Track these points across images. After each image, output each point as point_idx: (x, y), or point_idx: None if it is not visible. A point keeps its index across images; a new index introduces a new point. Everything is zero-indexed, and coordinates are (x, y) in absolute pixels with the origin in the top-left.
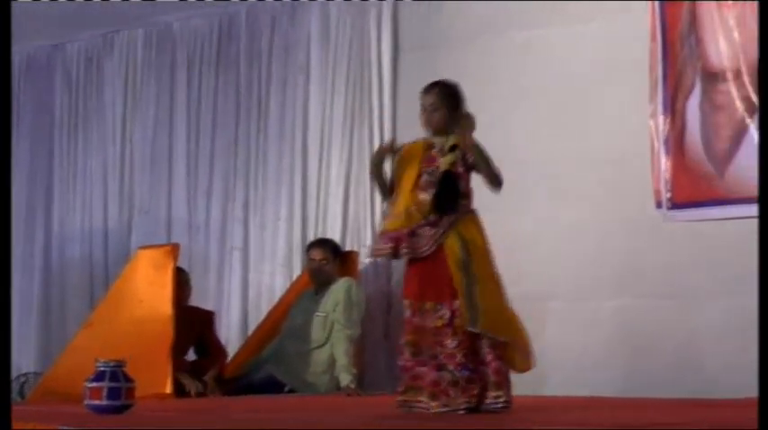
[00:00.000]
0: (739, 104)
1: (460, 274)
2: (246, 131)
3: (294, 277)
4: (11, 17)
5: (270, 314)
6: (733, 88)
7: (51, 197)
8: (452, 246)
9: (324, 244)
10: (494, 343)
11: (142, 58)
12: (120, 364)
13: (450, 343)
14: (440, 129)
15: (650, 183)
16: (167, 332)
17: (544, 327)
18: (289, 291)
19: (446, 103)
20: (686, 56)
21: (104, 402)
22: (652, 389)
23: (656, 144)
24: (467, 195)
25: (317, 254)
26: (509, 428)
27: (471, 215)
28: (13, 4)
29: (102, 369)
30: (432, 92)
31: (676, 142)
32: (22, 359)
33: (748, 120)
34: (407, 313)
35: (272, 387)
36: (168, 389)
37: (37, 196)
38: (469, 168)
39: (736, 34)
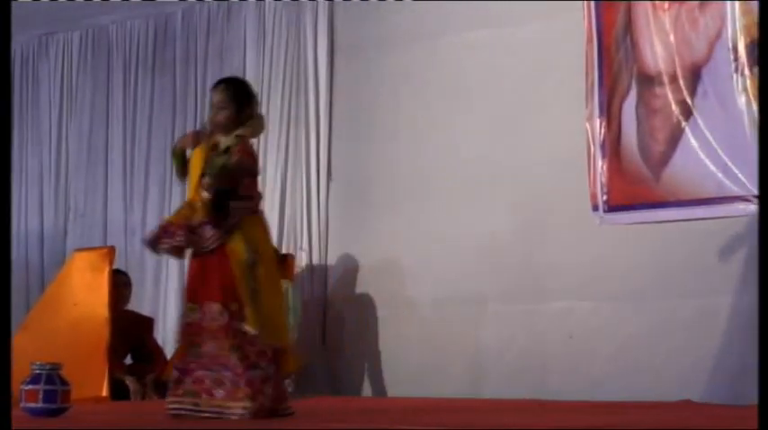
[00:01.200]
0: (675, 107)
1: (245, 278)
2: (182, 132)
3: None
4: (11, 17)
5: None
6: (669, 91)
7: None
8: (236, 248)
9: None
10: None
11: (78, 60)
12: (55, 367)
13: (212, 344)
14: (226, 128)
15: (587, 186)
16: (103, 335)
17: (482, 330)
18: None
19: (234, 101)
20: (622, 59)
21: (40, 405)
22: (592, 391)
23: (592, 147)
24: (250, 197)
25: None
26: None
27: (257, 216)
28: None
29: (37, 372)
30: (219, 89)
31: (612, 145)
32: None
33: (684, 124)
34: (182, 314)
35: None
36: (104, 391)
37: None
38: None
39: (671, 37)
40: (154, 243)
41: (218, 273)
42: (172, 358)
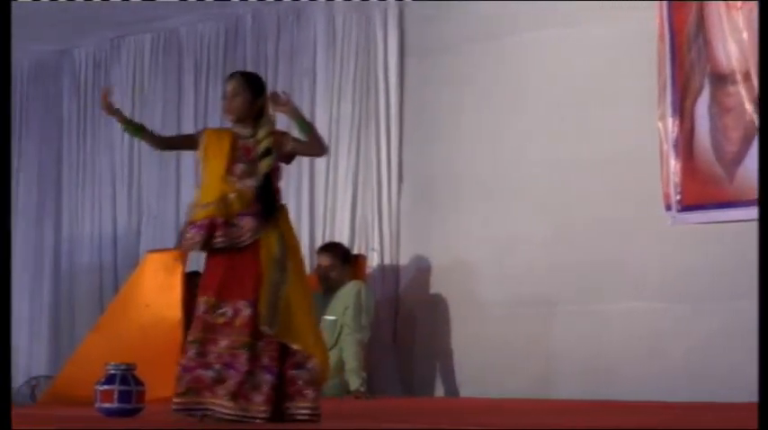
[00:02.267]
0: (748, 106)
1: (273, 271)
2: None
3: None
4: (11, 17)
5: None
6: (742, 90)
7: (60, 201)
8: (270, 241)
9: (332, 249)
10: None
11: (149, 63)
12: (130, 367)
13: (224, 342)
14: (240, 116)
15: (659, 186)
16: (176, 336)
17: (552, 330)
18: None
19: (247, 89)
20: (694, 58)
21: (115, 405)
22: (662, 393)
23: (664, 146)
24: (279, 190)
25: (324, 260)
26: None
27: (283, 208)
28: (22, 10)
29: (112, 372)
30: (232, 79)
31: (685, 144)
32: (33, 362)
33: (758, 123)
34: (201, 309)
35: None
36: None
37: (46, 201)
38: (286, 158)
39: (744, 35)
40: (208, 241)
41: (251, 269)
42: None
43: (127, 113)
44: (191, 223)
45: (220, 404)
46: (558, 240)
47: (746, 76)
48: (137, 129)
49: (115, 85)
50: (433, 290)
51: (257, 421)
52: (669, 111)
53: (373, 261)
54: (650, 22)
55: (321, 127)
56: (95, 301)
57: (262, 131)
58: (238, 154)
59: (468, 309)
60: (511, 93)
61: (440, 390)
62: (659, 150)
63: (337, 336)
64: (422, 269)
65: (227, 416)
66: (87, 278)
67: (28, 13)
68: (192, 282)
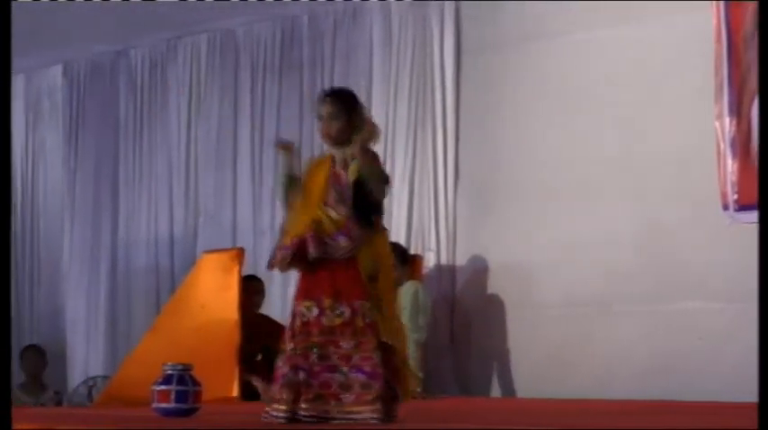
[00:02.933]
0: None
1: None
2: (310, 135)
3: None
4: (11, 17)
5: None
6: None
7: (117, 202)
8: (362, 259)
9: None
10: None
11: (205, 63)
12: (187, 368)
13: (347, 344)
14: (339, 139)
15: (716, 186)
16: (233, 336)
17: (609, 331)
18: None
19: (344, 112)
20: (751, 57)
21: (172, 405)
22: (720, 394)
23: (721, 146)
24: (378, 209)
25: None
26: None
27: (384, 232)
28: (79, 11)
29: (169, 372)
30: (328, 100)
31: (742, 144)
32: (90, 363)
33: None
34: (314, 312)
35: None
36: (234, 392)
37: (103, 201)
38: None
39: None
40: (298, 253)
41: (356, 277)
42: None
43: (183, 114)
44: (280, 247)
45: (347, 410)
46: (615, 240)
47: None
48: (293, 181)
49: (171, 86)
50: (490, 290)
51: (376, 421)
52: (726, 110)
53: (430, 261)
54: (707, 21)
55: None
56: (152, 302)
57: (352, 162)
58: (332, 181)
59: (524, 310)
60: (567, 92)
61: (496, 391)
62: (716, 150)
63: None
64: (478, 269)
65: (357, 421)
66: (144, 278)
67: (84, 13)
68: (248, 285)
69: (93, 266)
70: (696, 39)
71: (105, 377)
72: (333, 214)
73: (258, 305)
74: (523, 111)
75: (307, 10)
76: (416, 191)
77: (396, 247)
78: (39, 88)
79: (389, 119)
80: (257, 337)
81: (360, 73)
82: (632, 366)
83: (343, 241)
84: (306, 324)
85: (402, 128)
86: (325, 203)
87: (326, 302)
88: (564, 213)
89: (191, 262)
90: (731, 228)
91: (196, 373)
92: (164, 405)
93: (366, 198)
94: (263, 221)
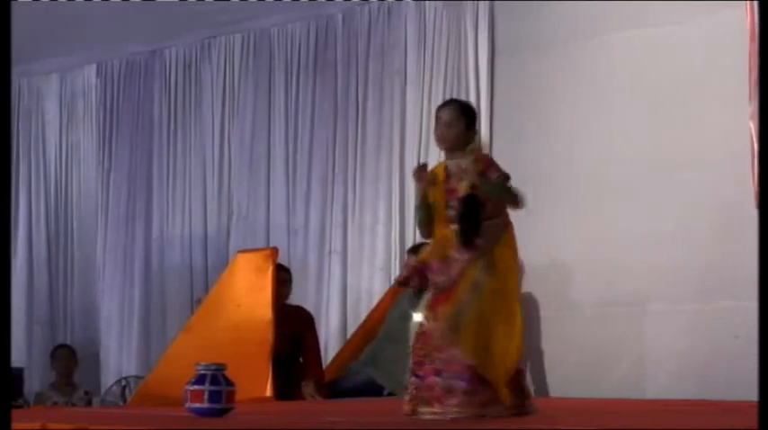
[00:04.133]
0: None
1: (465, 292)
2: (344, 135)
3: (393, 280)
4: (11, 17)
5: (368, 317)
6: None
7: (151, 201)
8: (476, 266)
9: (421, 249)
10: None
11: (240, 63)
12: (220, 368)
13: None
14: (453, 146)
15: (749, 186)
16: (267, 335)
17: (645, 330)
18: (387, 295)
19: (462, 120)
20: None
21: (205, 405)
22: (751, 393)
23: (755, 145)
24: (495, 214)
25: (414, 260)
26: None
27: (507, 232)
28: (112, 10)
29: (203, 372)
30: (449, 107)
31: None
32: (124, 363)
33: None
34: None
35: (372, 390)
36: (268, 392)
37: (137, 201)
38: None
39: None
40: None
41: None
42: (336, 357)
43: (217, 114)
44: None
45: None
46: (650, 240)
47: None
48: (427, 210)
49: (205, 86)
50: (525, 289)
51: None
52: (760, 110)
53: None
54: (741, 21)
55: (412, 126)
56: (186, 301)
57: (464, 161)
58: (447, 196)
59: (559, 309)
60: (601, 92)
61: (530, 390)
62: (750, 149)
63: None
64: None
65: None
66: (178, 278)
67: (118, 13)
68: (280, 276)
69: (127, 266)
70: (730, 38)
71: (139, 377)
72: (451, 229)
73: (285, 296)
74: (557, 111)
75: (341, 9)
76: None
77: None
78: (73, 88)
79: (424, 118)
80: (284, 326)
81: (394, 72)
82: (667, 366)
83: (462, 255)
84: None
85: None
86: (446, 218)
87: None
88: (599, 212)
89: (224, 261)
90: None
91: (230, 373)
92: (197, 405)
93: (480, 209)
94: (296, 221)
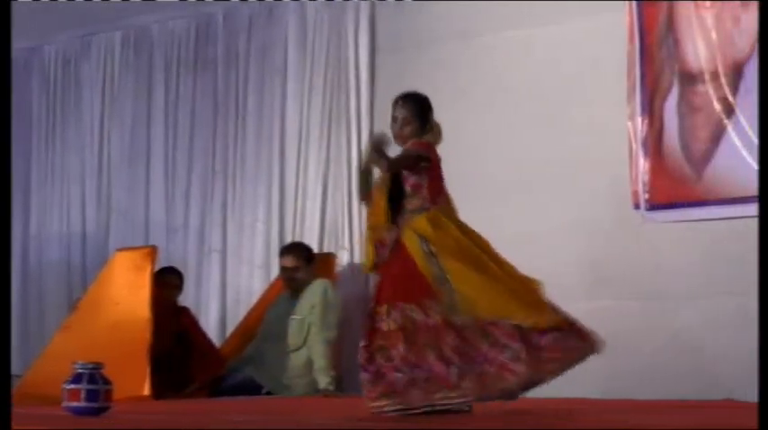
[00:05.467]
0: (717, 105)
1: (429, 268)
2: (224, 133)
3: (272, 279)
4: (10, 17)
5: (247, 316)
6: (710, 89)
7: (29, 199)
8: (412, 243)
9: (295, 250)
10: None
11: (120, 60)
12: (98, 367)
13: (449, 337)
14: (408, 143)
15: (629, 185)
16: (145, 334)
17: None
18: (266, 294)
19: (418, 116)
20: (664, 57)
21: (82, 404)
22: (632, 391)
23: (634, 145)
24: (415, 194)
25: (288, 261)
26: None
27: (427, 215)
28: None
29: (80, 371)
30: (405, 104)
31: (654, 144)
32: None
33: (726, 122)
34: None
35: (251, 389)
36: (146, 391)
37: (15, 198)
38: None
39: (713, 35)
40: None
41: (409, 270)
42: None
43: (97, 111)
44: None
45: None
46: (531, 239)
47: (715, 76)
48: (367, 176)
49: (84, 83)
50: None
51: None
52: (638, 110)
53: (343, 259)
54: (622, 21)
55: (292, 125)
56: (64, 299)
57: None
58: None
59: None
60: (482, 91)
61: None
62: (628, 149)
63: (305, 336)
64: None
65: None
66: (56, 276)
67: None
68: (165, 278)
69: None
70: (612, 39)
71: (16, 376)
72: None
73: (174, 299)
74: (438, 109)
75: (222, 7)
76: (330, 189)
77: (301, 247)
78: None
79: (304, 117)
80: (165, 322)
81: (275, 71)
82: None
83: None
84: (416, 326)
85: (316, 126)
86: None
87: (426, 303)
88: (478, 211)
89: (103, 259)
90: (643, 227)
91: (108, 372)
92: (74, 404)
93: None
94: (175, 219)
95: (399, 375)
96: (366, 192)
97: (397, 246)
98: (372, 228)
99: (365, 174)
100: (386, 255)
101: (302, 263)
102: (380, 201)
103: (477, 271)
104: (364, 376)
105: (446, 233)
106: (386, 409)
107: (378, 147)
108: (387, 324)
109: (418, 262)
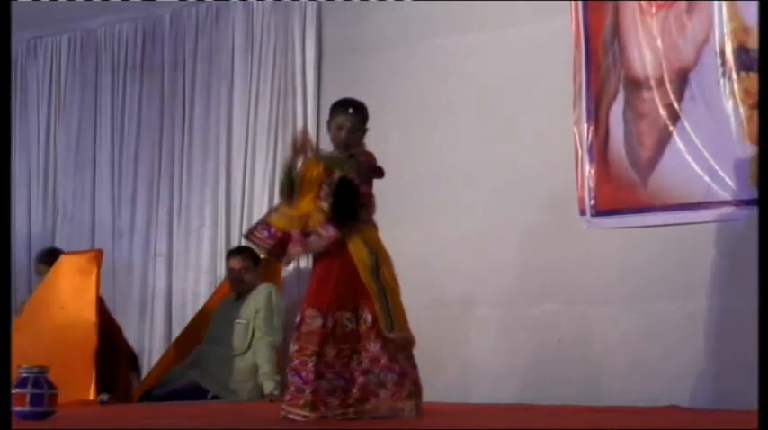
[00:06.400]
0: (662, 112)
1: (371, 280)
2: (171, 137)
3: (218, 283)
4: (10, 17)
5: (193, 320)
6: (656, 96)
7: None
8: (359, 251)
9: (243, 252)
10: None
11: (66, 63)
12: (43, 371)
13: (374, 346)
14: (348, 148)
15: (574, 191)
16: (90, 338)
17: (469, 334)
18: (211, 298)
19: (362, 123)
20: (610, 63)
21: (27, 408)
22: (581, 396)
23: (579, 151)
24: (367, 206)
25: (236, 262)
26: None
27: (373, 226)
28: None
29: (25, 375)
30: (356, 113)
31: (600, 149)
32: None
33: (671, 128)
34: (318, 322)
35: (196, 393)
36: (91, 395)
37: None
38: (368, 179)
39: (659, 42)
40: (275, 250)
41: (350, 278)
42: (161, 360)
43: (43, 114)
44: (267, 223)
45: (389, 406)
46: (477, 242)
47: (660, 82)
48: (289, 174)
49: (31, 86)
50: None
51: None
52: (584, 116)
53: (289, 265)
54: (567, 28)
55: (239, 129)
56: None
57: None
58: (325, 176)
59: None
60: (431, 96)
61: None
62: (574, 155)
63: (250, 340)
64: None
65: (396, 415)
66: None
67: None
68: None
69: None
70: (558, 44)
71: None
72: (324, 206)
73: None
74: (386, 113)
75: (169, 10)
76: (276, 195)
77: (249, 250)
78: None
79: (251, 121)
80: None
81: (221, 75)
82: (493, 369)
83: (328, 230)
84: (345, 332)
85: (263, 130)
86: (319, 197)
87: (351, 308)
88: (427, 215)
89: None
90: (589, 233)
91: (53, 375)
92: (19, 408)
93: (354, 194)
94: (121, 223)
95: (323, 382)
96: (287, 188)
97: (339, 250)
98: (303, 214)
99: (289, 170)
100: (300, 250)
101: (250, 265)
102: (324, 200)
103: (399, 290)
104: (294, 381)
105: (386, 252)
106: (301, 416)
107: (303, 147)
108: (313, 327)
109: (362, 273)
